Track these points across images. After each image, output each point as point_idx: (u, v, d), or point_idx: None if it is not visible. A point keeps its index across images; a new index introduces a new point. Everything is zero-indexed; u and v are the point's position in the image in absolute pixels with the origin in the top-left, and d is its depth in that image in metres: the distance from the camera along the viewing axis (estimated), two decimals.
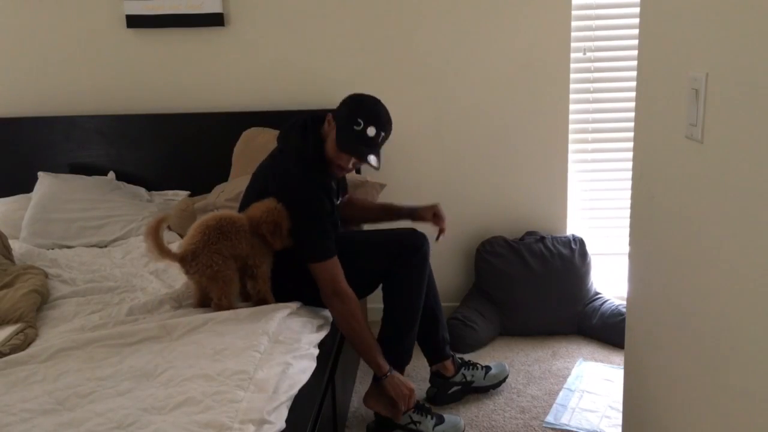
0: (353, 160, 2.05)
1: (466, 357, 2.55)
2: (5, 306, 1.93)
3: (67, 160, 2.93)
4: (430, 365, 2.39)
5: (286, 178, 2.02)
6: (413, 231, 2.19)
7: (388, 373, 2.09)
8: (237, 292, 1.98)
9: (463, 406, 2.36)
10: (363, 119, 1.99)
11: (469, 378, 2.40)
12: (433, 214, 2.33)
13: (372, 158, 2.02)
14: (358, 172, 2.83)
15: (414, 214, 2.36)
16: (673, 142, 1.28)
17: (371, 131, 2.00)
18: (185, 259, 1.90)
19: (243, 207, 2.09)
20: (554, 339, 2.82)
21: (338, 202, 2.19)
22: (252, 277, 1.99)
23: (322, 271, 1.99)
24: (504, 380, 2.45)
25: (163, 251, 1.88)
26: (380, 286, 2.20)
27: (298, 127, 2.08)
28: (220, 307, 1.92)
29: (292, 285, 2.08)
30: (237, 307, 1.94)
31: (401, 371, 2.19)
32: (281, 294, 2.05)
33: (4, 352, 1.72)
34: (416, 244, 2.15)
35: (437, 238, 2.31)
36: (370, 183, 2.70)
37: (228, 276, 1.92)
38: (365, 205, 2.48)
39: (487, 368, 2.44)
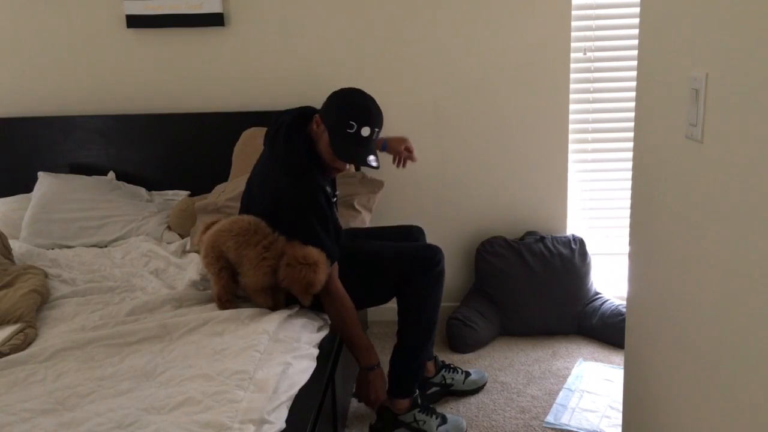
0: None
1: (465, 357, 2.54)
2: (5, 306, 1.93)
3: (67, 160, 2.93)
4: None
5: (278, 192, 1.92)
6: (429, 246, 2.15)
7: (377, 366, 2.05)
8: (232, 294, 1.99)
9: (463, 406, 2.35)
10: (355, 121, 1.90)
11: (448, 381, 2.40)
12: (405, 148, 2.36)
13: (371, 159, 1.96)
14: (357, 169, 2.83)
15: (385, 147, 2.37)
16: (673, 142, 1.28)
17: (365, 131, 1.91)
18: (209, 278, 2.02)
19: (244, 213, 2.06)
20: (554, 339, 2.82)
21: (335, 199, 2.13)
22: (236, 282, 1.98)
23: None
24: (482, 387, 2.45)
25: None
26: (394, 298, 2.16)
27: (283, 134, 1.96)
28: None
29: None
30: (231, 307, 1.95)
31: (417, 383, 2.17)
32: None
33: (4, 352, 1.72)
34: (433, 260, 2.10)
35: (404, 166, 2.40)
36: (369, 180, 2.70)
37: (225, 279, 1.95)
38: None
39: (467, 373, 2.44)
